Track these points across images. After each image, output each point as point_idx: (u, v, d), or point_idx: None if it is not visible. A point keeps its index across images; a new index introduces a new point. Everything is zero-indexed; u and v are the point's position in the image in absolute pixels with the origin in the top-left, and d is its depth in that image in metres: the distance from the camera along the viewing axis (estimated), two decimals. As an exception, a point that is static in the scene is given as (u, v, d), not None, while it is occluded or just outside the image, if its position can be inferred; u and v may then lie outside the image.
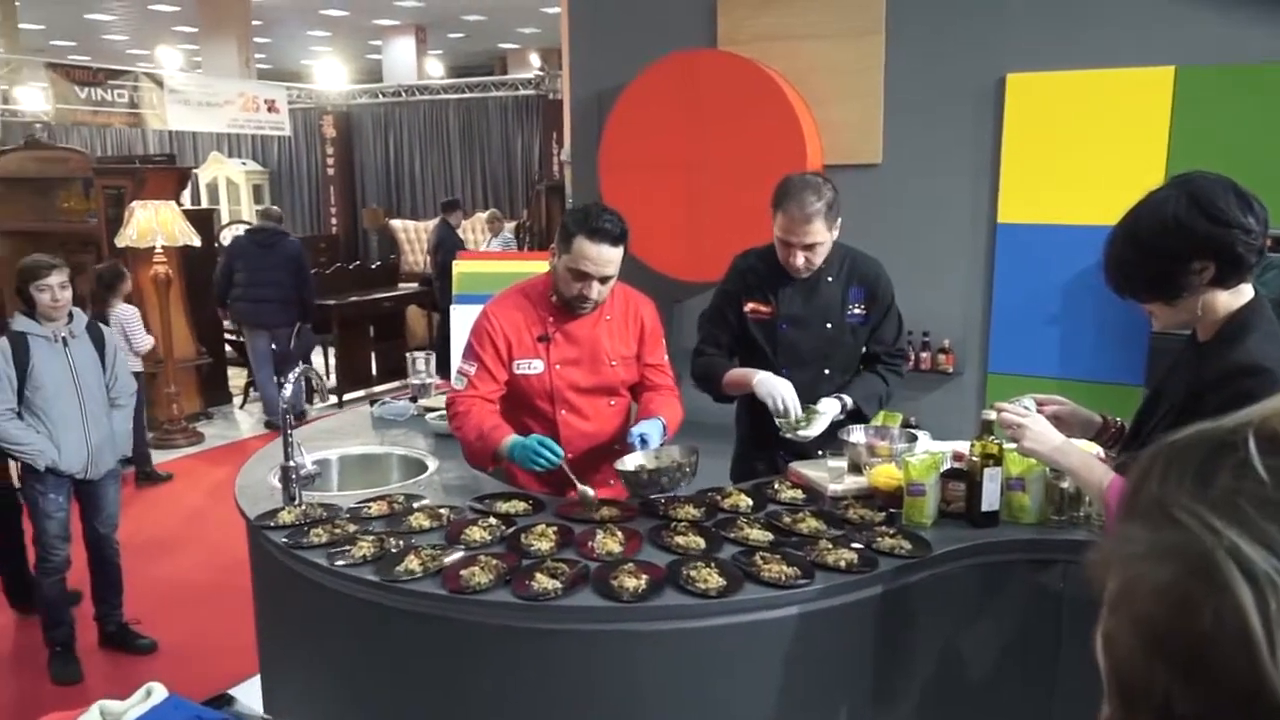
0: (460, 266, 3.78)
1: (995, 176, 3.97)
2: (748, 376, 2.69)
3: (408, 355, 3.57)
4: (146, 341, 5.90)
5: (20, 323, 3.46)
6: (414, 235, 13.12)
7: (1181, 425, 0.52)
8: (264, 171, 15.26)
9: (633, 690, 1.96)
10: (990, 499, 2.24)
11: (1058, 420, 1.99)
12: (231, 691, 3.48)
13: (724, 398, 2.86)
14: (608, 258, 2.45)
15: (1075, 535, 2.22)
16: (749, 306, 2.80)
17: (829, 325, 2.75)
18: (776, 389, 2.61)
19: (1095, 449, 2.07)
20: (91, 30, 17.90)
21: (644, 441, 2.46)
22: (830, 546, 2.11)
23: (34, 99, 14.56)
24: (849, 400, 2.70)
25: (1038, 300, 3.96)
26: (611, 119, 4.44)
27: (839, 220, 2.68)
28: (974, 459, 2.25)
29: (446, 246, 8.15)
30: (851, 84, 4.11)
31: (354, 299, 8.29)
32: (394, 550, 2.14)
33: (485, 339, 2.58)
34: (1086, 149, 3.79)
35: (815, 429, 2.58)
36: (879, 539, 2.16)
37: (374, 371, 8.40)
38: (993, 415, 2.23)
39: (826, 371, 2.77)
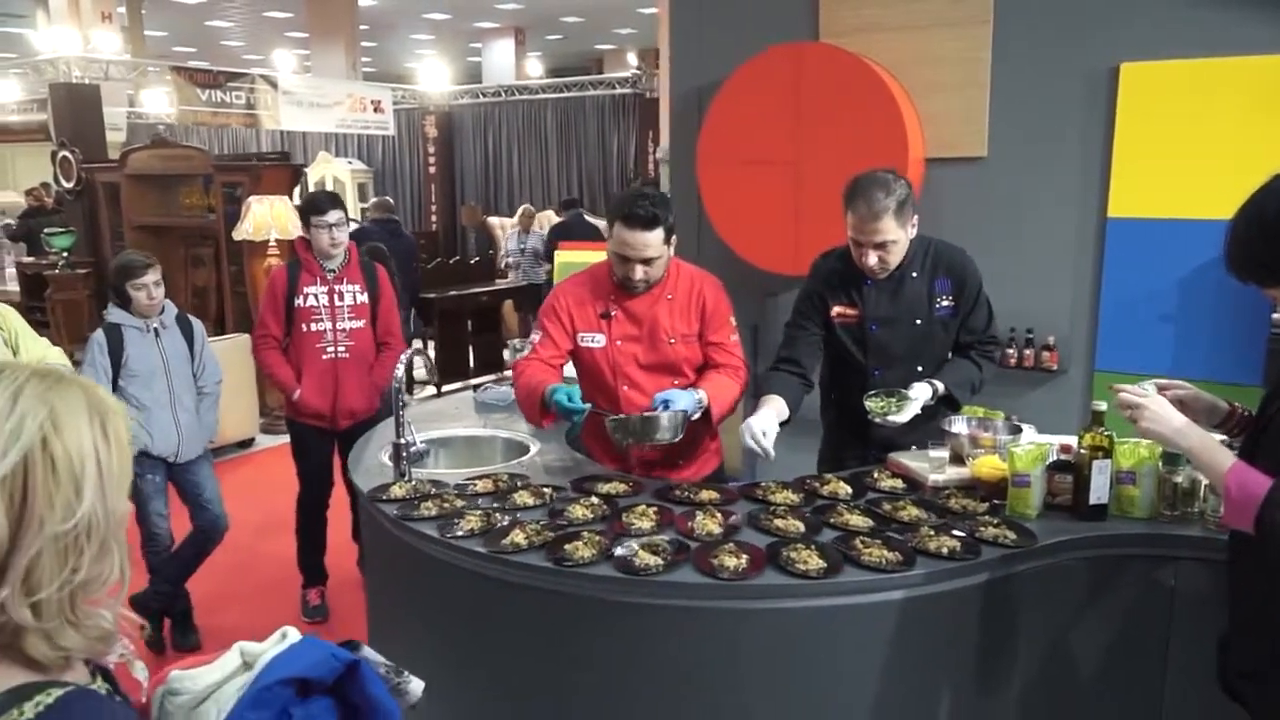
0: (561, 256, 3.88)
1: (1106, 170, 3.86)
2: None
3: (509, 343, 3.65)
4: None
5: (115, 315, 3.63)
6: (510, 233, 13.36)
7: None
8: (368, 170, 15.76)
9: (731, 668, 1.99)
10: (1099, 492, 2.20)
11: (1181, 405, 1.92)
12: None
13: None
14: (643, 241, 2.53)
15: (1189, 531, 2.16)
16: (835, 310, 2.76)
17: (918, 322, 2.70)
18: (750, 431, 2.48)
19: (1219, 437, 2.01)
20: (210, 36, 18.77)
21: (667, 405, 2.49)
22: (932, 534, 2.10)
23: (157, 101, 15.34)
24: (940, 386, 2.65)
25: (1150, 297, 3.83)
26: (711, 114, 4.46)
27: (915, 218, 2.63)
28: (1082, 451, 2.21)
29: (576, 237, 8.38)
30: (957, 75, 4.04)
31: (454, 293, 8.50)
32: (500, 525, 2.21)
33: (551, 312, 2.75)
34: (1205, 141, 3.65)
35: (905, 414, 2.55)
36: (982, 528, 2.14)
37: (471, 364, 8.60)
38: (1103, 406, 2.19)
39: (919, 369, 2.72)
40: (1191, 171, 3.67)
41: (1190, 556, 2.14)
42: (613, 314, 2.69)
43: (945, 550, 2.04)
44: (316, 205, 3.86)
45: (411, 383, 7.78)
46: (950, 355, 2.81)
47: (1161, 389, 1.96)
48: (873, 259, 2.60)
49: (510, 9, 15.74)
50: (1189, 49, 3.61)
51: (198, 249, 8.06)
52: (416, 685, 1.28)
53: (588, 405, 2.54)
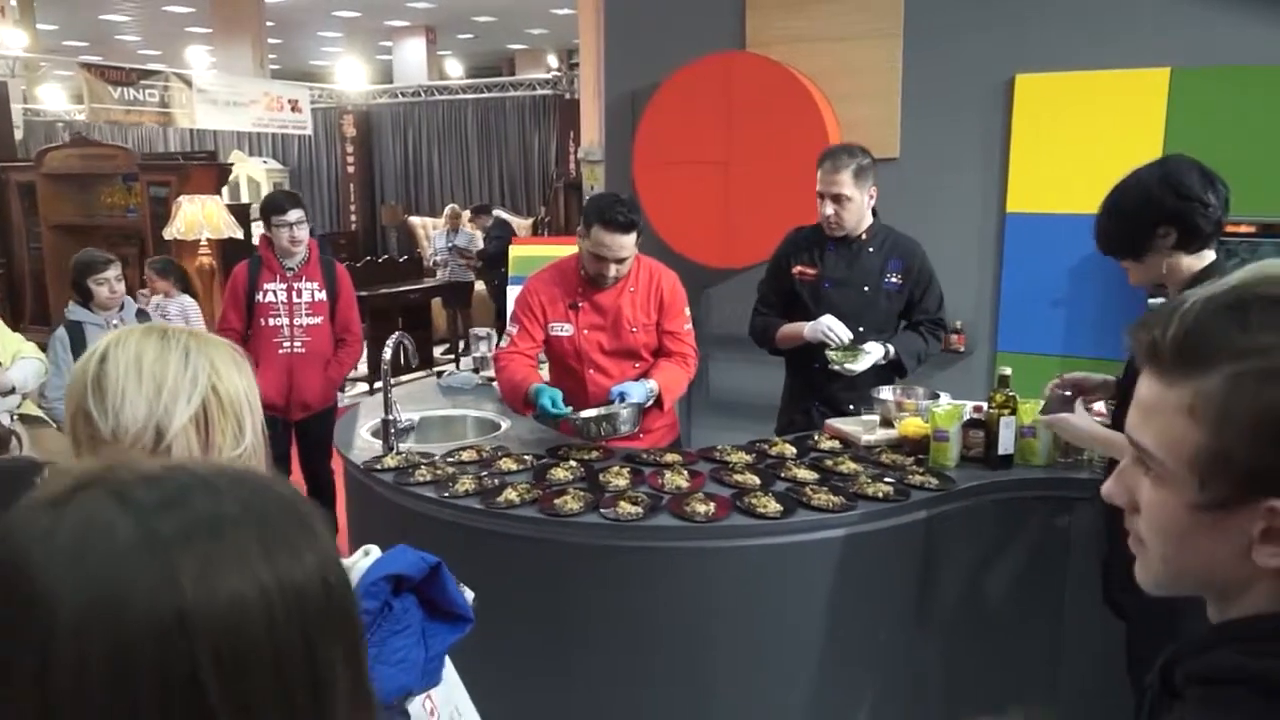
0: (515, 251, 4.14)
1: (1004, 169, 4.30)
2: (798, 329, 3.07)
3: (471, 331, 3.90)
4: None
5: (75, 313, 3.74)
6: (432, 232, 13.45)
7: None
8: (284, 170, 15.60)
9: (703, 600, 2.30)
10: (1005, 444, 2.58)
11: (1085, 394, 2.32)
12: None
13: (778, 352, 3.26)
14: (620, 243, 2.83)
15: (1079, 475, 2.56)
16: (797, 269, 3.18)
17: (866, 289, 3.11)
18: (823, 324, 2.98)
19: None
20: (105, 31, 18.21)
21: (623, 397, 2.80)
22: (869, 482, 2.45)
23: (56, 98, 14.91)
24: (891, 349, 3.04)
25: (1043, 284, 4.29)
26: (645, 117, 4.76)
27: (872, 188, 3.07)
28: (991, 410, 2.59)
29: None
30: (871, 83, 4.43)
31: (384, 291, 8.61)
32: (492, 486, 2.48)
33: (525, 305, 3.02)
34: (1089, 145, 4.11)
35: (861, 364, 2.93)
36: (910, 476, 2.50)
37: (403, 360, 8.71)
38: (1008, 371, 2.59)
39: (861, 329, 3.09)
40: (1078, 170, 4.14)
41: (1081, 497, 2.54)
42: (580, 305, 2.98)
43: (880, 494, 2.39)
44: (277, 205, 3.97)
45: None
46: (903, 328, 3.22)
47: (1064, 384, 2.32)
48: (830, 209, 3.02)
49: (422, 8, 15.73)
50: (1075, 63, 4.08)
51: (121, 249, 7.99)
52: (468, 594, 1.53)
53: (569, 409, 2.80)
